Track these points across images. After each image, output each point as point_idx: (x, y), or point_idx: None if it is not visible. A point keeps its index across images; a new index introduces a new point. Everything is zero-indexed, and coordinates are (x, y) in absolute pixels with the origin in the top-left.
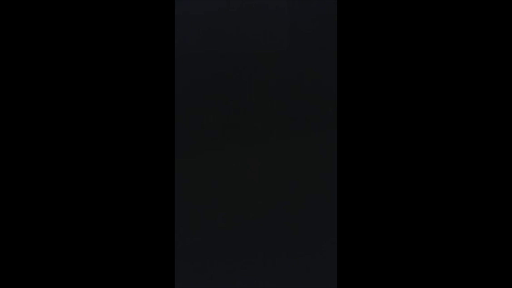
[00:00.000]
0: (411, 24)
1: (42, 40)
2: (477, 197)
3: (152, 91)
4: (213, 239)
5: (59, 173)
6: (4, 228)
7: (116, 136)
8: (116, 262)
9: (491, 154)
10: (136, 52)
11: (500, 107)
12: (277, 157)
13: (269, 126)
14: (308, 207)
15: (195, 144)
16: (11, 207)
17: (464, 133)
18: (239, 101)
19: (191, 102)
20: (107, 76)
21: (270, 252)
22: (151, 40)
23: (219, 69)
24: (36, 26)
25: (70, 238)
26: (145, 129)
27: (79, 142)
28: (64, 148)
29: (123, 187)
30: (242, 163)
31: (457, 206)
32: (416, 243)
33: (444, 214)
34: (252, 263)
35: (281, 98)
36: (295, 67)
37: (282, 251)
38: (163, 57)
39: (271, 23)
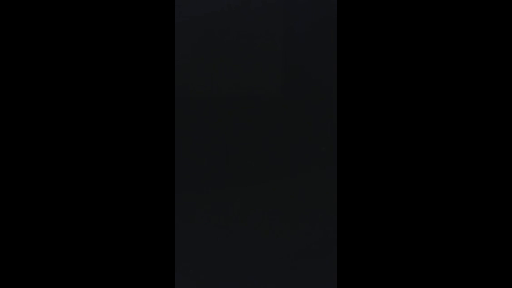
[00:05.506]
0: (413, 34)
1: (43, 41)
2: (476, 204)
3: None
4: (214, 241)
5: (59, 176)
6: (4, 228)
7: (114, 137)
8: (117, 263)
9: (491, 154)
10: (136, 58)
11: (500, 107)
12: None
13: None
14: (308, 213)
15: (195, 142)
16: (12, 207)
17: (464, 138)
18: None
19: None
20: (106, 83)
21: (270, 256)
22: (151, 48)
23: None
24: (37, 27)
25: (70, 240)
26: (146, 133)
27: (79, 145)
28: (63, 150)
29: (124, 191)
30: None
31: (455, 213)
32: (412, 262)
33: (441, 227)
34: (252, 266)
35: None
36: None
37: (282, 256)
38: (163, 62)
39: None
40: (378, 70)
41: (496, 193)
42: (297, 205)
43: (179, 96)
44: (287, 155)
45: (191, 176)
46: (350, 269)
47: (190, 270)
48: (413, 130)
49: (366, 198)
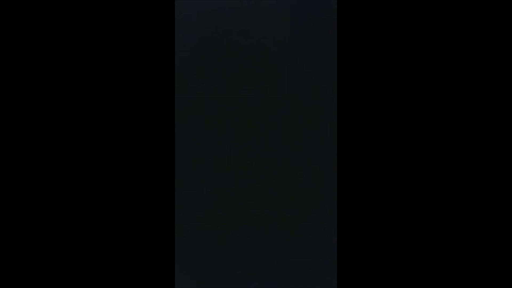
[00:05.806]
0: (413, 37)
1: (43, 41)
2: (476, 205)
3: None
4: (214, 241)
5: (59, 176)
6: (4, 228)
7: (115, 137)
8: (117, 263)
9: (491, 155)
10: (136, 59)
11: (500, 107)
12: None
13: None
14: (308, 213)
15: (195, 138)
16: (12, 207)
17: (465, 139)
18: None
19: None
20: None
21: (271, 256)
22: (151, 46)
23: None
24: (37, 27)
25: (71, 241)
26: (146, 135)
27: (79, 145)
28: (63, 150)
29: (124, 190)
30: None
31: (455, 211)
32: (412, 262)
33: (441, 229)
34: (252, 266)
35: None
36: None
37: (282, 257)
38: (163, 62)
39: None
40: (378, 70)
41: (496, 193)
42: (297, 205)
43: (179, 96)
44: (287, 155)
45: (191, 176)
46: (350, 269)
47: (190, 270)
48: (413, 130)
49: (366, 198)
